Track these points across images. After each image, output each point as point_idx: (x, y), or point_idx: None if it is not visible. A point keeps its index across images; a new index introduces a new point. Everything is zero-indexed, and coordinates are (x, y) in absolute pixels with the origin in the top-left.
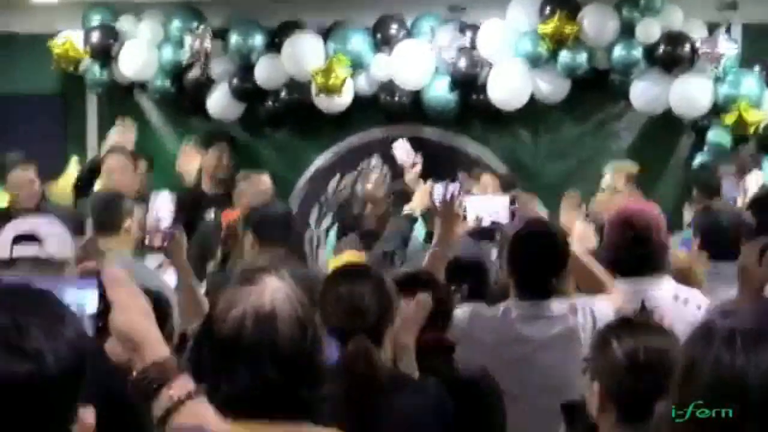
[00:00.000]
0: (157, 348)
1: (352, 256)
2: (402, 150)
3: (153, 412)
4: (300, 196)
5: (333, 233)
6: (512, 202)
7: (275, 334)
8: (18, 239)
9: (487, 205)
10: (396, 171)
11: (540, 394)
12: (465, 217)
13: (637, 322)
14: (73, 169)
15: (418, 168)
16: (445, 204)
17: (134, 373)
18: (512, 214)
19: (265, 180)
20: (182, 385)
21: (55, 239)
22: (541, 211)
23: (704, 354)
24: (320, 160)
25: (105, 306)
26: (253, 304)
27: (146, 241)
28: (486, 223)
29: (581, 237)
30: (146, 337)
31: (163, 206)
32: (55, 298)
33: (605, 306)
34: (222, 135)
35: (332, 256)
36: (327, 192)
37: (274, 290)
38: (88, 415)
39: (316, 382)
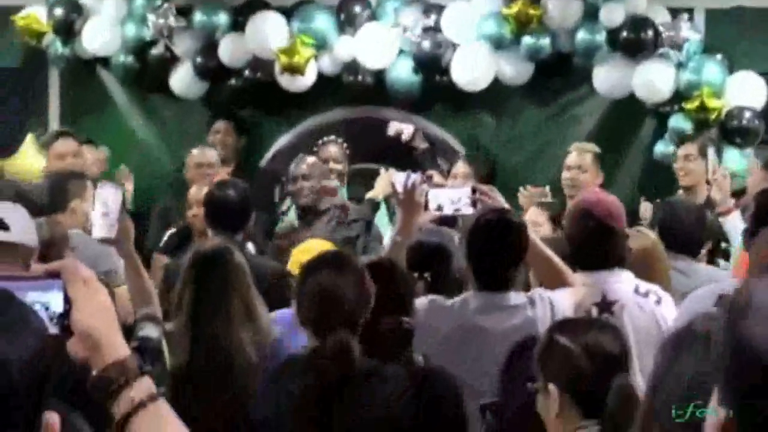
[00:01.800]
0: (117, 347)
1: (318, 243)
2: (394, 128)
3: (113, 413)
4: (262, 177)
5: (292, 212)
6: (473, 192)
7: None
8: None
9: (448, 194)
10: (355, 152)
11: (497, 386)
12: (426, 206)
13: (580, 320)
14: (29, 147)
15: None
16: (407, 192)
17: (94, 373)
18: (474, 204)
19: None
20: (143, 387)
21: (22, 226)
22: (503, 202)
23: (681, 356)
24: (282, 140)
25: (69, 305)
26: None
27: (92, 233)
28: (448, 212)
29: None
30: (106, 336)
31: (110, 197)
32: (18, 301)
33: (565, 298)
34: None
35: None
36: (288, 172)
37: None
38: (53, 421)
39: None
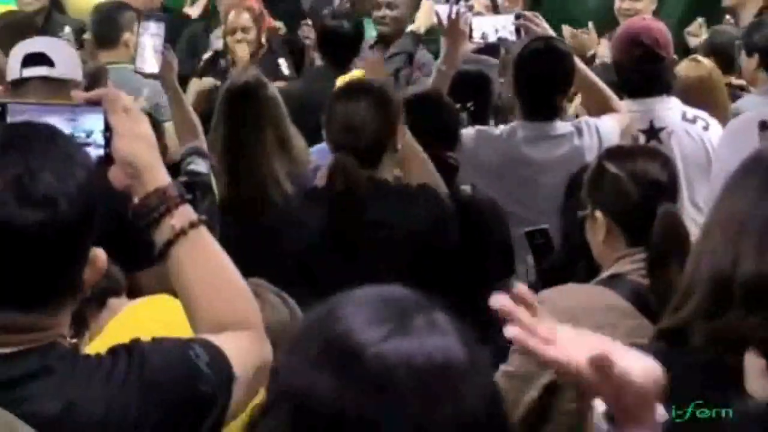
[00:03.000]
0: (157, 176)
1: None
2: None
3: (155, 240)
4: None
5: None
6: (518, 18)
7: None
8: (28, 59)
9: (492, 22)
10: None
11: (543, 215)
12: (471, 35)
13: (630, 147)
14: None
15: None
16: (451, 22)
17: (135, 200)
18: (518, 31)
19: None
20: (183, 214)
21: (66, 60)
22: (548, 29)
23: (748, 181)
24: None
25: (110, 132)
26: None
27: (136, 66)
28: (492, 40)
29: None
30: (147, 163)
31: (153, 30)
32: (65, 137)
33: (611, 125)
34: None
35: None
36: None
37: None
38: (99, 256)
39: None
